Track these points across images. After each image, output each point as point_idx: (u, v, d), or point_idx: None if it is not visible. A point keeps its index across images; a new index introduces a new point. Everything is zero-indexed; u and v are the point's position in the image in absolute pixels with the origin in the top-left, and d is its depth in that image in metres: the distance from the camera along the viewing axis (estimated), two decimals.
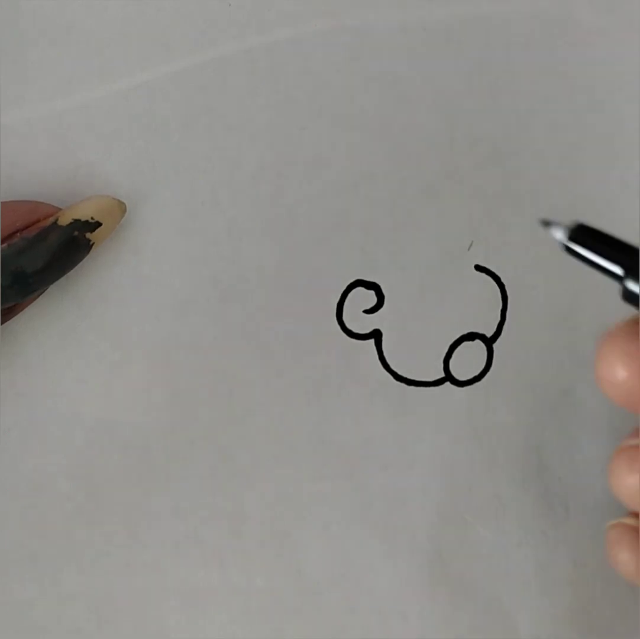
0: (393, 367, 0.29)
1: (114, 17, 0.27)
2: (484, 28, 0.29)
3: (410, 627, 0.29)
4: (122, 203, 0.27)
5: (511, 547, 0.29)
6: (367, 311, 0.29)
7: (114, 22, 0.27)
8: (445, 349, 0.29)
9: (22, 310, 0.27)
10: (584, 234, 0.23)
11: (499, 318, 0.29)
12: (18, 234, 0.26)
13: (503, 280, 0.30)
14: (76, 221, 0.26)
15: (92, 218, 0.26)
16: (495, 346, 0.30)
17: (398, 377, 0.29)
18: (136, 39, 0.27)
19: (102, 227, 0.27)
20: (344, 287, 0.29)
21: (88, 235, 0.26)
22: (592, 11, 0.29)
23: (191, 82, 0.28)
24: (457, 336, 0.29)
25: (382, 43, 0.29)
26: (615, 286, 0.30)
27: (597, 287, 0.30)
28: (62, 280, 0.27)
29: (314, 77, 0.28)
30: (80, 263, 0.27)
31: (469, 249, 0.29)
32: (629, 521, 0.25)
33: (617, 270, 0.23)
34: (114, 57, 0.27)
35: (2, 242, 0.26)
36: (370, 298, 0.29)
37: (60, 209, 0.27)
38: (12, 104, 0.27)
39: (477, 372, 0.29)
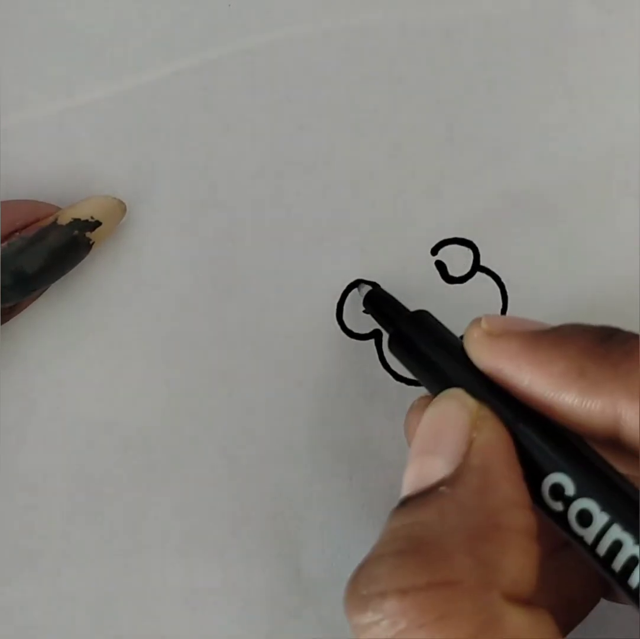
0: (393, 367, 0.29)
1: (114, 17, 0.27)
2: (484, 28, 0.29)
3: None
4: (122, 203, 0.27)
5: None
6: (367, 311, 0.29)
7: (114, 22, 0.27)
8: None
9: (22, 310, 0.27)
10: (373, 296, 0.28)
11: None
12: (17, 233, 0.26)
13: (503, 280, 0.30)
14: (76, 220, 0.26)
15: (91, 217, 0.26)
16: None
17: (398, 377, 0.29)
18: (136, 39, 0.27)
19: (102, 226, 0.27)
20: (344, 287, 0.29)
21: (88, 234, 0.26)
22: (592, 11, 0.29)
23: (191, 82, 0.28)
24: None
25: (382, 43, 0.29)
26: (614, 287, 0.30)
27: (597, 287, 0.30)
28: (62, 280, 0.27)
29: (314, 77, 0.28)
30: (80, 263, 0.27)
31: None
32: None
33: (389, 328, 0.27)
34: (114, 57, 0.27)
35: (2, 242, 0.26)
36: None
37: (60, 209, 0.27)
38: (12, 104, 0.27)
39: None
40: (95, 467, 0.28)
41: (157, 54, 0.28)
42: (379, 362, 0.29)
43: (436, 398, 0.23)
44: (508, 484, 0.20)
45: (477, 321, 0.23)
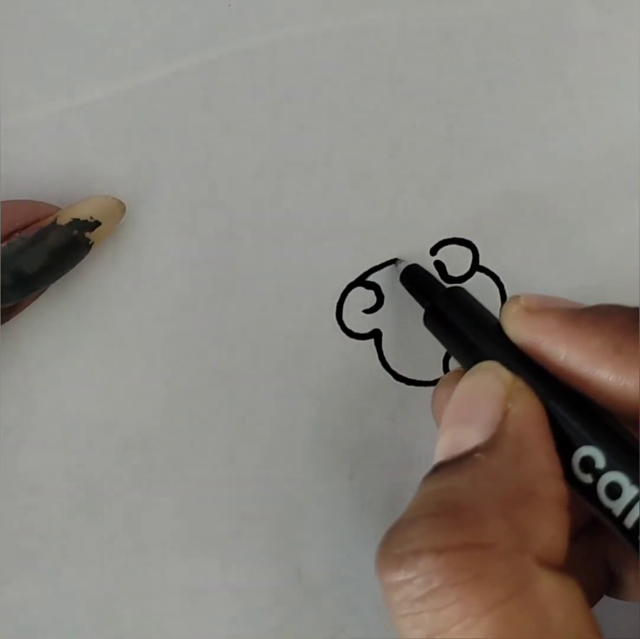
0: (393, 367, 0.29)
1: (114, 17, 0.27)
2: (484, 28, 0.29)
3: None
4: (122, 203, 0.27)
5: None
6: (367, 311, 0.29)
7: (114, 22, 0.27)
8: (445, 349, 0.29)
9: (22, 310, 0.27)
10: (411, 273, 0.28)
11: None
12: (17, 233, 0.26)
13: (503, 280, 0.30)
14: (75, 220, 0.26)
15: (91, 217, 0.26)
16: None
17: (398, 377, 0.29)
18: (136, 39, 0.27)
19: (101, 226, 0.27)
20: (344, 287, 0.29)
21: (87, 234, 0.26)
22: (592, 11, 0.29)
23: (191, 82, 0.28)
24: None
25: (382, 43, 0.29)
26: (614, 287, 0.30)
27: (597, 287, 0.30)
28: (62, 280, 0.27)
29: (314, 77, 0.28)
30: (80, 263, 0.27)
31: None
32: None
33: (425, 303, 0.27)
34: (114, 57, 0.27)
35: (2, 242, 0.26)
36: (370, 298, 0.29)
37: (59, 209, 0.27)
38: (12, 104, 0.27)
39: None
40: (95, 467, 0.28)
41: (157, 54, 0.28)
42: (379, 362, 0.29)
43: (471, 370, 0.23)
44: (542, 454, 0.21)
45: (516, 297, 0.23)
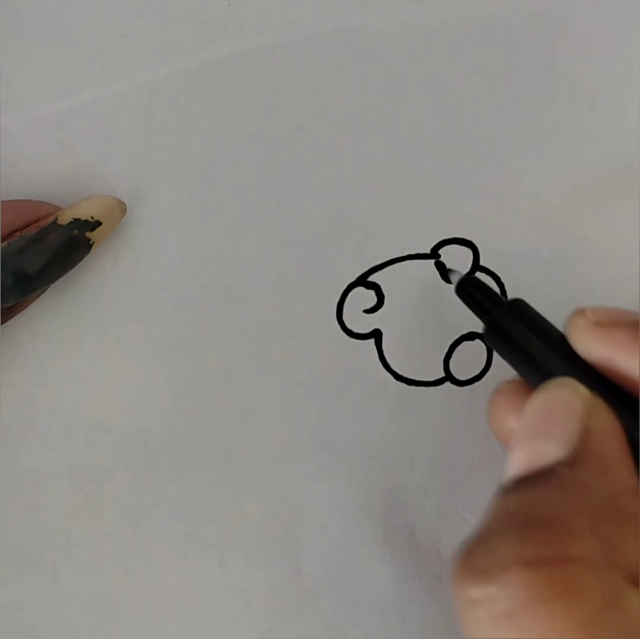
0: (393, 367, 0.29)
1: (114, 17, 0.27)
2: (484, 28, 0.29)
3: (410, 626, 0.29)
4: (122, 203, 0.27)
5: None
6: (367, 311, 0.29)
7: (114, 22, 0.27)
8: (445, 349, 0.29)
9: (22, 310, 0.27)
10: (468, 284, 0.27)
11: None
12: (18, 233, 0.26)
13: (503, 280, 0.30)
14: (76, 220, 0.26)
15: (92, 217, 0.26)
16: None
17: (398, 377, 0.29)
18: (136, 39, 0.27)
19: (102, 226, 0.27)
20: (344, 287, 0.29)
21: (88, 234, 0.26)
22: (592, 11, 0.29)
23: (191, 82, 0.28)
24: (457, 336, 0.29)
25: (382, 43, 0.29)
26: (614, 286, 0.30)
27: (597, 287, 0.30)
28: (62, 280, 0.27)
29: (314, 77, 0.28)
30: (80, 263, 0.27)
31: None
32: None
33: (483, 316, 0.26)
34: (114, 57, 0.27)
35: (2, 242, 0.26)
36: (370, 298, 0.29)
37: (60, 209, 0.27)
38: (13, 104, 0.27)
39: (477, 372, 0.30)
40: (95, 467, 0.28)
41: (157, 54, 0.28)
42: (379, 362, 0.29)
43: (546, 385, 0.22)
44: (625, 470, 0.20)
45: (581, 311, 0.23)
